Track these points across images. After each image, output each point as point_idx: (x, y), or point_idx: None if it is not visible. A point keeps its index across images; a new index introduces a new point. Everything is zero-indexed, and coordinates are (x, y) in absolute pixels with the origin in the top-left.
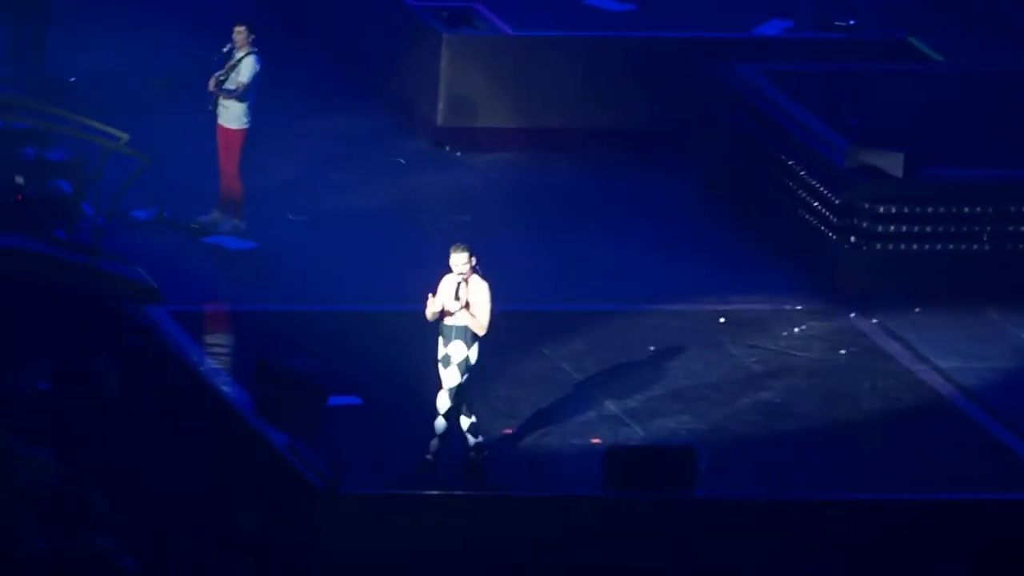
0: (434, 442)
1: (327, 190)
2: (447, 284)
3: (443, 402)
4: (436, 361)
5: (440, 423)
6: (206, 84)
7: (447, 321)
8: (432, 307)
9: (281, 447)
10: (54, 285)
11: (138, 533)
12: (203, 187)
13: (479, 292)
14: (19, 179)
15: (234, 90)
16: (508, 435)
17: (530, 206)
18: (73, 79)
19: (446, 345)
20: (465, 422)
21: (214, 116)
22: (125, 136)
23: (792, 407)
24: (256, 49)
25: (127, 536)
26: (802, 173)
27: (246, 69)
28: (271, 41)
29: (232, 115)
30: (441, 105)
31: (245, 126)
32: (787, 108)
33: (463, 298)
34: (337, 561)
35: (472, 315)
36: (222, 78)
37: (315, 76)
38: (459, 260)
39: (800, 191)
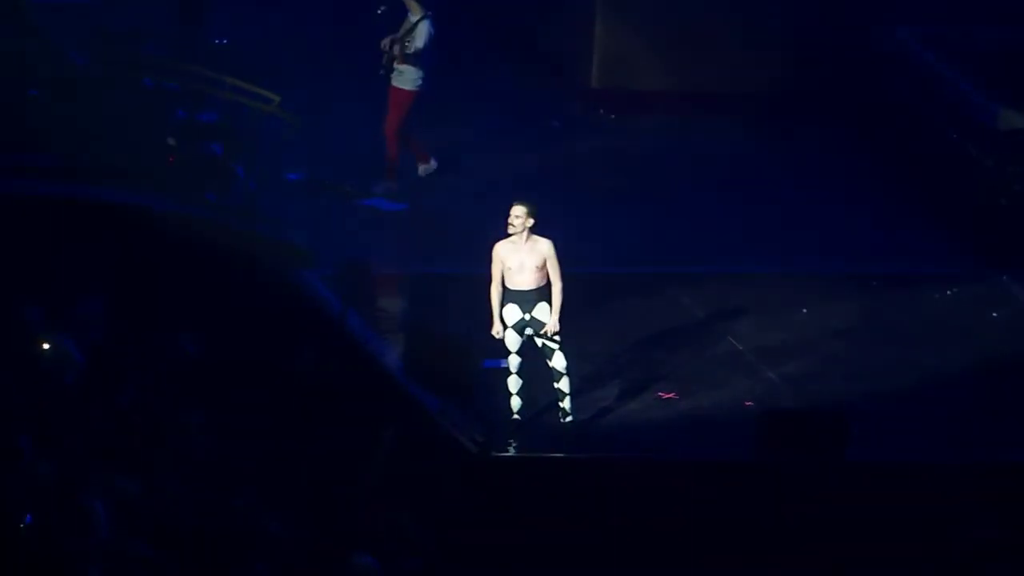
0: (568, 402)
1: (479, 152)
2: (509, 249)
3: (562, 361)
4: (519, 329)
5: (566, 383)
6: (379, 47)
7: (521, 287)
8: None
9: (433, 410)
10: (205, 248)
11: (286, 496)
12: (354, 150)
13: (545, 248)
14: (171, 141)
15: (411, 54)
16: (667, 399)
17: (684, 169)
18: (225, 41)
19: (530, 311)
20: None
21: (386, 79)
22: (277, 98)
23: (943, 369)
24: (431, 13)
25: (274, 499)
26: (955, 136)
27: (421, 33)
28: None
29: (407, 78)
30: (595, 67)
31: (418, 88)
32: (941, 71)
33: (536, 258)
34: (489, 523)
35: (555, 274)
36: (399, 41)
37: (468, 37)
38: (516, 212)
39: (953, 154)
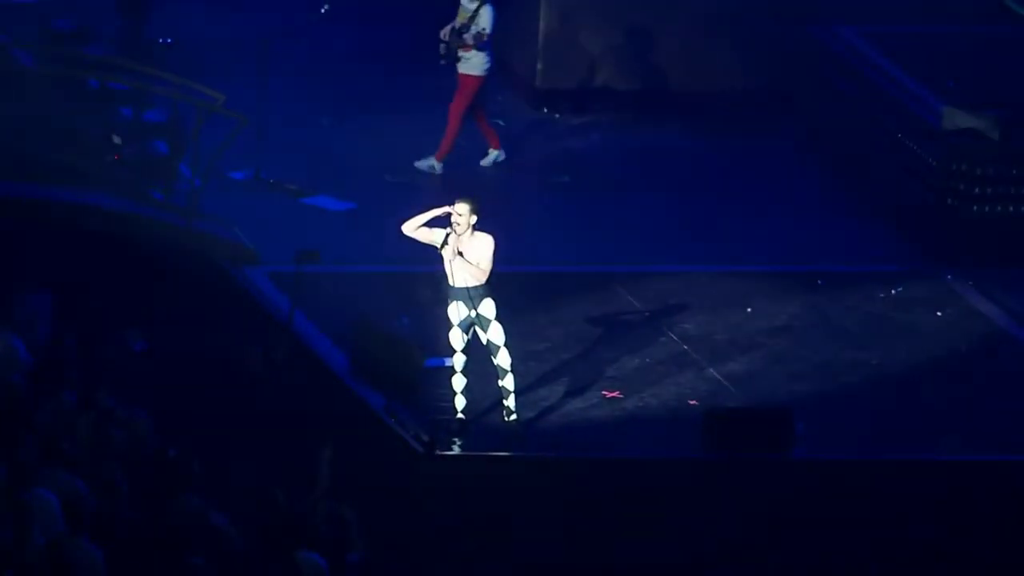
0: (511, 400)
1: (425, 151)
2: (452, 242)
3: (506, 358)
4: (464, 327)
5: (510, 380)
6: (440, 36)
7: (463, 284)
8: (421, 222)
9: (378, 408)
10: (150, 246)
11: (231, 491)
12: (299, 148)
13: (484, 245)
14: (116, 139)
15: (479, 40)
16: (611, 398)
17: (629, 168)
18: (170, 40)
19: (474, 307)
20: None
21: (451, 67)
22: (222, 97)
23: (889, 369)
24: None
25: (219, 495)
26: (899, 135)
27: (486, 17)
28: None
29: (474, 63)
30: (540, 66)
31: (485, 73)
32: (885, 69)
33: (454, 250)
34: (434, 522)
35: (477, 267)
36: (460, 29)
37: (412, 34)
38: (460, 210)
39: (897, 153)
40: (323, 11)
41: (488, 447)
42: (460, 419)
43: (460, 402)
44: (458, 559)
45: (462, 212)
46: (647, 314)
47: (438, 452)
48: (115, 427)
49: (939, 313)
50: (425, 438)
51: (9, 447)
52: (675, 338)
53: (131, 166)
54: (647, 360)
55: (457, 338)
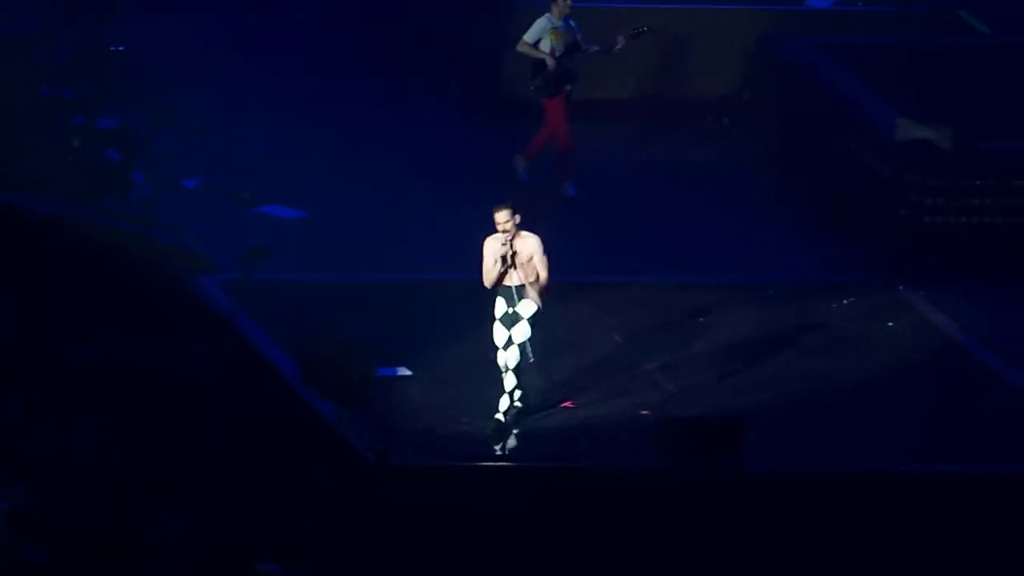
0: (505, 399)
1: (390, 158)
2: (493, 246)
3: (514, 358)
4: (495, 320)
5: (511, 379)
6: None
7: (507, 283)
8: (492, 273)
9: (329, 417)
10: (103, 254)
11: (186, 500)
12: (250, 155)
13: (534, 242)
14: (76, 142)
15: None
16: (565, 407)
17: (582, 179)
18: (121, 48)
19: (513, 304)
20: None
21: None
22: (174, 105)
23: (840, 379)
24: None
25: (173, 503)
26: (852, 146)
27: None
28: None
29: None
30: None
31: None
32: (838, 80)
33: (514, 255)
34: (387, 533)
35: (537, 266)
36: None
37: (367, 42)
38: (501, 218)
39: (850, 164)
40: None
41: (441, 457)
42: (497, 420)
43: (504, 403)
44: (411, 571)
45: (506, 218)
46: (599, 324)
47: (392, 462)
48: (66, 434)
49: (891, 324)
50: (378, 447)
51: None
52: (628, 348)
53: (84, 174)
54: (600, 370)
55: (499, 335)
